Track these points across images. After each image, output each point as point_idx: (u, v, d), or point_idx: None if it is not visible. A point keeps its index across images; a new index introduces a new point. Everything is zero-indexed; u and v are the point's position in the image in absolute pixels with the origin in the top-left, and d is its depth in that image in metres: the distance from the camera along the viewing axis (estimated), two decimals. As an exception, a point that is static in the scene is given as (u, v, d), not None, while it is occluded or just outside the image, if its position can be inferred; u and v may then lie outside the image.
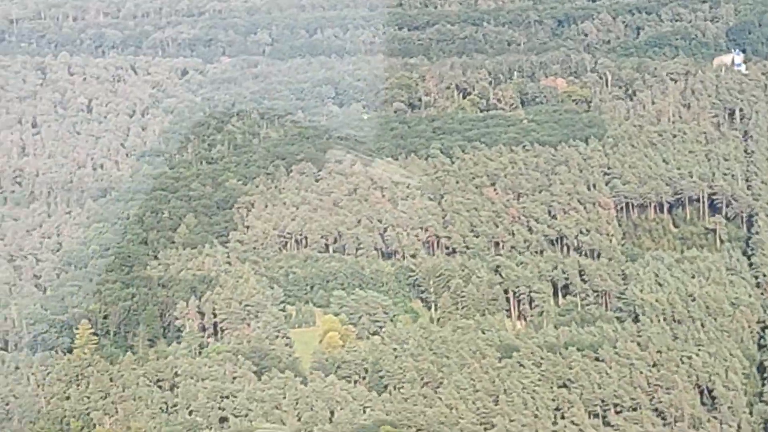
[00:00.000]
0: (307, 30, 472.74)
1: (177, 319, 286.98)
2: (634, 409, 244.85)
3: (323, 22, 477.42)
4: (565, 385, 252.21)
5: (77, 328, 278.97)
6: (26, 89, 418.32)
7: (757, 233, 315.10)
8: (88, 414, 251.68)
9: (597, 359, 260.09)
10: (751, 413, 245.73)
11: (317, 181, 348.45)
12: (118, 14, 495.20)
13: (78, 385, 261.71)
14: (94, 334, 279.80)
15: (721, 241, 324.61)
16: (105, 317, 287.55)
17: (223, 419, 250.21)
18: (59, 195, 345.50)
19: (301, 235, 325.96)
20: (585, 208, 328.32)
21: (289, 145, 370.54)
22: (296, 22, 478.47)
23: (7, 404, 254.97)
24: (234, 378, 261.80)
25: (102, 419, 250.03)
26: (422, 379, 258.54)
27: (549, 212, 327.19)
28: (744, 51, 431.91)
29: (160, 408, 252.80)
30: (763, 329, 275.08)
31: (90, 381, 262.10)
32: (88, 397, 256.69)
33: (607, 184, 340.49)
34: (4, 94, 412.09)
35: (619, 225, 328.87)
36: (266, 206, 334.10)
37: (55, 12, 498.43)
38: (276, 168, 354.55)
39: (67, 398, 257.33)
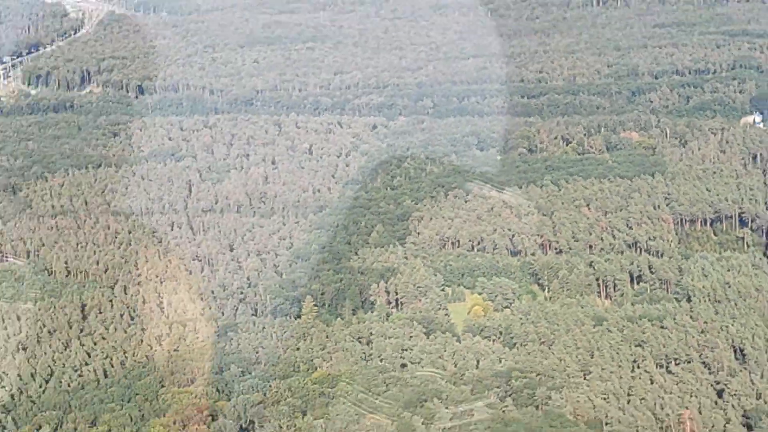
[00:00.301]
0: (458, 98, 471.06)
1: (371, 296, 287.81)
2: (688, 362, 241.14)
3: (469, 92, 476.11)
4: (639, 345, 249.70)
5: (303, 302, 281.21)
6: (267, 138, 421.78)
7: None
8: (311, 360, 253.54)
9: (662, 327, 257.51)
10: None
11: (466, 202, 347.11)
12: (329, 86, 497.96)
13: (304, 340, 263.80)
14: (315, 305, 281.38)
15: (747, 246, 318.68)
16: (322, 294, 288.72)
17: (403, 365, 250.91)
18: (290, 210, 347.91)
19: (455, 239, 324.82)
20: (652, 222, 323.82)
21: (446, 177, 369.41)
22: (450, 92, 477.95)
23: (257, 353, 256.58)
24: (410, 337, 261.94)
25: (321, 364, 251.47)
26: (539, 339, 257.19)
27: (627, 224, 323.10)
28: (762, 113, 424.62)
29: (360, 357, 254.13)
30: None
31: (312, 338, 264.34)
32: (311, 349, 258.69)
33: (667, 206, 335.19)
34: (252, 142, 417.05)
35: (676, 234, 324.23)
36: (431, 219, 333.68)
37: (286, 85, 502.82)
38: (437, 193, 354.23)
39: (297, 349, 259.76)
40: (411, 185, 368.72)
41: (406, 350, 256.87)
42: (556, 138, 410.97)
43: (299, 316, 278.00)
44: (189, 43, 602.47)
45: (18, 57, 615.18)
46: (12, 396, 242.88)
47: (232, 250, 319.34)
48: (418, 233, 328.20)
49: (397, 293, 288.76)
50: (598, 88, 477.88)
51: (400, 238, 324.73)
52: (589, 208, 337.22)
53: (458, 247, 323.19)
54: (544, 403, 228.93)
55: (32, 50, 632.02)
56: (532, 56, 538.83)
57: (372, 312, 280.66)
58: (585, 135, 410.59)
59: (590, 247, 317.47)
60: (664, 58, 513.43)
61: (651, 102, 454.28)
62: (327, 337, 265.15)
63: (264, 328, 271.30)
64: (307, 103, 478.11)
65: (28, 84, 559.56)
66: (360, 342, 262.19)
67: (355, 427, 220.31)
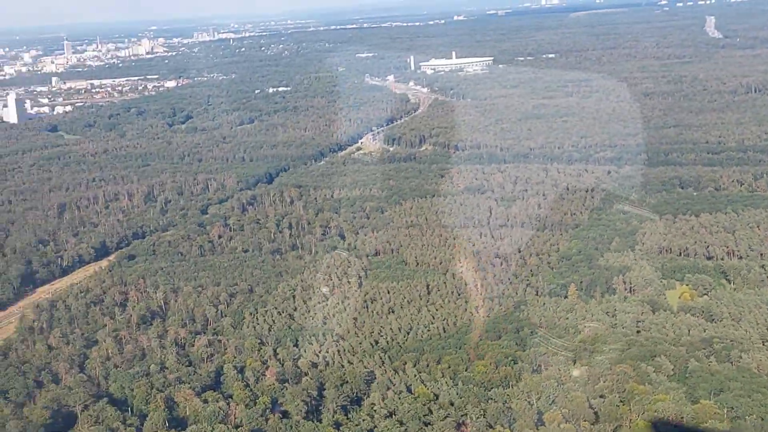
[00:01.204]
0: (663, 153, 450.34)
1: (614, 284, 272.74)
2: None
3: (671, 150, 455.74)
4: None
5: (569, 287, 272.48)
6: (539, 179, 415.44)
7: None
8: (576, 326, 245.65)
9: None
10: None
11: (674, 223, 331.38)
12: (578, 146, 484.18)
13: (571, 313, 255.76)
14: (576, 290, 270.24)
15: None
16: (581, 282, 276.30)
17: (638, 331, 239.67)
18: (557, 226, 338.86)
19: (668, 247, 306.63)
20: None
21: (659, 206, 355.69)
22: (659, 150, 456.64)
23: (539, 320, 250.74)
24: (641, 312, 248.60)
25: (582, 329, 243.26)
26: (730, 317, 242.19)
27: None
28: None
29: (608, 325, 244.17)
30: None
31: (576, 312, 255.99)
32: (576, 319, 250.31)
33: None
34: (529, 181, 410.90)
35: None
36: (651, 234, 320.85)
37: (550, 145, 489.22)
38: (654, 217, 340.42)
39: (566, 318, 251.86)
40: (636, 211, 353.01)
41: (639, 321, 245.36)
42: (733, 181, 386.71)
43: (566, 297, 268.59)
44: (486, 118, 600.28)
45: (381, 127, 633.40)
46: (387, 342, 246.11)
47: (519, 252, 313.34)
48: (643, 243, 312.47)
49: (631, 283, 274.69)
50: (759, 148, 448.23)
51: (631, 246, 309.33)
52: (758, 228, 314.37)
53: (670, 253, 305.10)
54: (736, 361, 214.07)
55: (389, 123, 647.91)
56: (713, 126, 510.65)
57: (614, 295, 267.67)
58: (753, 179, 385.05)
59: (761, 255, 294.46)
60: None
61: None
62: (585, 311, 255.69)
63: (544, 303, 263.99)
64: (564, 156, 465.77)
65: (388, 144, 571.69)
66: (607, 315, 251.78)
67: (609, 372, 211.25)
